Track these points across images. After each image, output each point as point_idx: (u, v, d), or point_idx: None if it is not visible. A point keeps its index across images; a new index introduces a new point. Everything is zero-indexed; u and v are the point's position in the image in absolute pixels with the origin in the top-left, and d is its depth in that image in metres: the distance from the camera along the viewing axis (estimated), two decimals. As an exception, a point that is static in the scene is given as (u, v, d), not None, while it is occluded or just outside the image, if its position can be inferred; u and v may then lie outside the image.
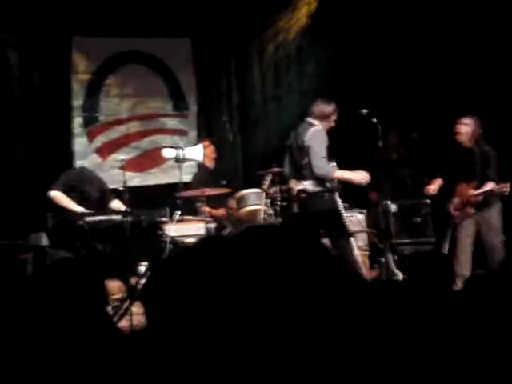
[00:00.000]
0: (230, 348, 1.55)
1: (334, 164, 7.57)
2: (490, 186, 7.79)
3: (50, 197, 8.23)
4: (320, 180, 7.50)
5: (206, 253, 1.66)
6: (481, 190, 7.81)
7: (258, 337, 1.53)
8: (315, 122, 7.61)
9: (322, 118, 7.63)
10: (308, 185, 7.55)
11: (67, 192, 8.27)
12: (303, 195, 7.61)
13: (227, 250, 1.64)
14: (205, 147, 9.12)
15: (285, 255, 1.59)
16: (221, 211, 9.30)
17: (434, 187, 8.22)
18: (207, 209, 8.87)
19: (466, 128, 7.93)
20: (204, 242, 1.87)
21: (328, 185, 7.52)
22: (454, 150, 8.08)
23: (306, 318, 1.55)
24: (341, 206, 7.59)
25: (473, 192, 7.83)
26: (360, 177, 7.62)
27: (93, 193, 8.47)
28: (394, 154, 9.97)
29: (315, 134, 7.51)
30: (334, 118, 7.71)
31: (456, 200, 8.03)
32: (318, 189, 7.52)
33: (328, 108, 7.68)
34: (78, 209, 8.15)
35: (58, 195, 8.23)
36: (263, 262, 1.57)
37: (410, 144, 9.63)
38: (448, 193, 8.18)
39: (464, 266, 7.75)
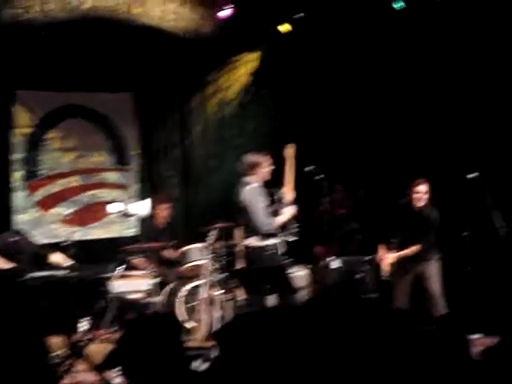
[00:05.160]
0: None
1: (281, 192, 7.65)
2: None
3: None
4: (263, 235, 7.54)
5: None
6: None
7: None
8: (248, 178, 7.65)
9: (252, 170, 7.65)
10: (252, 240, 7.58)
11: None
12: (248, 250, 7.64)
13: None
14: (157, 203, 9.16)
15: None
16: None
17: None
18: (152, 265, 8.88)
19: (425, 196, 8.05)
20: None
21: (271, 241, 7.55)
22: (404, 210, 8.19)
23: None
24: (285, 261, 7.63)
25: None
26: (294, 209, 7.70)
27: (22, 260, 8.31)
28: (340, 210, 10.09)
29: (249, 192, 7.58)
30: (265, 167, 7.69)
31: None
32: (260, 244, 7.55)
33: (254, 159, 7.70)
34: (9, 265, 8.01)
35: None
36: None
37: (357, 200, 9.76)
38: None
39: None
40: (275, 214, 7.65)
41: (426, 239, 7.97)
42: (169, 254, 9.32)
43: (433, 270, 8.05)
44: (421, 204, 8.02)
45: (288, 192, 7.81)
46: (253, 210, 7.51)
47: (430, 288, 7.98)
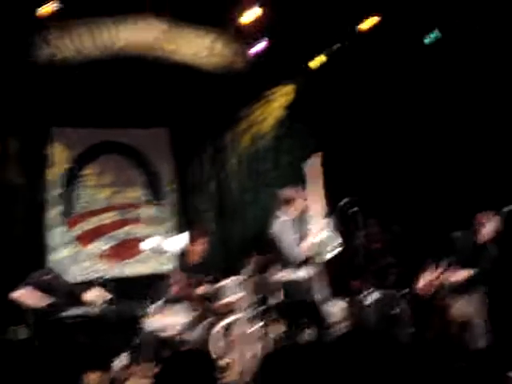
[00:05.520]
0: None
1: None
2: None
3: (14, 298, 8.10)
4: (296, 268, 7.48)
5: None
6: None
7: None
8: (279, 213, 7.64)
9: (285, 204, 7.64)
10: (285, 273, 7.53)
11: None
12: (283, 283, 7.59)
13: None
14: (193, 239, 9.17)
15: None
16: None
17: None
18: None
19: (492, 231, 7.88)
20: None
21: (302, 273, 7.48)
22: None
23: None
24: (319, 295, 7.56)
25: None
26: (326, 224, 7.61)
27: (56, 299, 8.34)
28: (375, 244, 10.02)
29: (278, 226, 7.56)
30: (299, 202, 7.66)
31: None
32: (295, 277, 7.49)
33: (289, 193, 7.69)
34: (44, 303, 8.05)
35: (21, 294, 8.12)
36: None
37: (392, 235, 9.68)
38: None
39: None
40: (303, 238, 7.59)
41: (481, 271, 7.84)
42: (204, 289, 9.30)
43: (477, 304, 7.94)
44: (485, 239, 7.79)
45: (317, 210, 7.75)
46: (281, 242, 7.48)
47: (471, 321, 7.87)
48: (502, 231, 7.68)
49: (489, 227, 7.69)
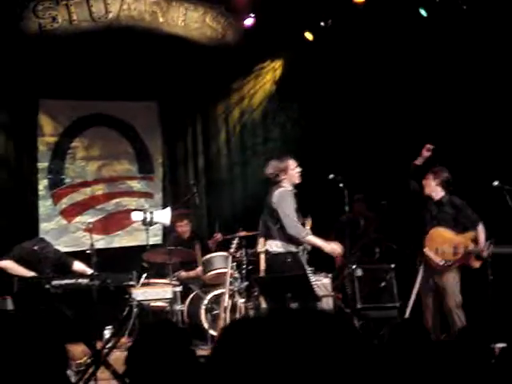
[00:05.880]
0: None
1: (308, 224, 7.57)
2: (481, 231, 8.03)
3: (0, 267, 8.15)
4: (287, 242, 7.46)
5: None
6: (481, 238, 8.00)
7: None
8: (279, 182, 7.57)
9: (281, 174, 7.55)
10: (273, 245, 7.48)
11: (18, 262, 8.22)
12: (267, 256, 7.56)
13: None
14: (176, 220, 9.25)
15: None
16: (198, 270, 9.37)
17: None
18: (183, 272, 9.00)
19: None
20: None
21: (293, 248, 7.49)
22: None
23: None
24: (308, 269, 7.57)
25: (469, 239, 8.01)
26: (332, 248, 7.58)
27: (45, 268, 8.38)
28: (361, 220, 10.05)
29: (282, 195, 7.47)
30: (294, 171, 7.62)
31: (445, 246, 8.11)
32: (281, 250, 7.45)
33: (281, 164, 7.61)
34: (31, 274, 8.09)
35: (8, 264, 8.16)
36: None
37: (379, 211, 9.70)
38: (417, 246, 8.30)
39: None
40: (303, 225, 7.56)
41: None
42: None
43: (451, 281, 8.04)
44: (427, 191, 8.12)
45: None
46: (283, 212, 7.40)
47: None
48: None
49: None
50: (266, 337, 1.59)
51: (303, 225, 7.51)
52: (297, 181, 7.65)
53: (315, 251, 7.70)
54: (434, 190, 8.16)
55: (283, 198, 7.47)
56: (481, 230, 8.08)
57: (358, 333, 1.67)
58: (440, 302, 8.07)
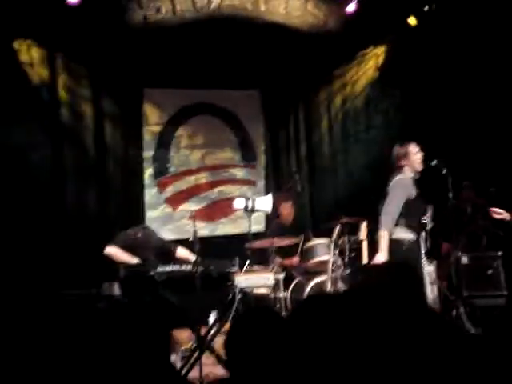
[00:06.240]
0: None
1: (363, 228, 7.42)
2: None
3: (106, 254, 8.32)
4: (406, 228, 7.23)
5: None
6: None
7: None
8: (401, 168, 7.36)
9: (400, 161, 7.35)
10: (398, 232, 7.21)
11: (123, 249, 8.36)
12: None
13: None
14: (279, 202, 9.24)
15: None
16: (294, 260, 9.39)
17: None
18: (279, 259, 8.98)
19: None
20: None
21: (412, 235, 7.25)
22: None
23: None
24: (423, 258, 7.37)
25: None
26: (378, 259, 7.06)
27: (149, 255, 8.51)
28: (469, 207, 9.84)
29: (395, 184, 7.27)
30: (414, 157, 7.35)
31: None
32: (399, 236, 7.20)
33: (401, 149, 7.38)
34: (135, 261, 8.23)
35: (113, 251, 8.32)
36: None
37: (487, 198, 9.46)
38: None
39: None
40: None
41: None
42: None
43: None
44: None
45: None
46: (388, 198, 7.18)
47: None
48: None
49: None
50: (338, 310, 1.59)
51: (424, 210, 7.33)
52: (419, 167, 7.42)
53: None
54: None
55: (394, 187, 7.24)
56: None
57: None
58: None
